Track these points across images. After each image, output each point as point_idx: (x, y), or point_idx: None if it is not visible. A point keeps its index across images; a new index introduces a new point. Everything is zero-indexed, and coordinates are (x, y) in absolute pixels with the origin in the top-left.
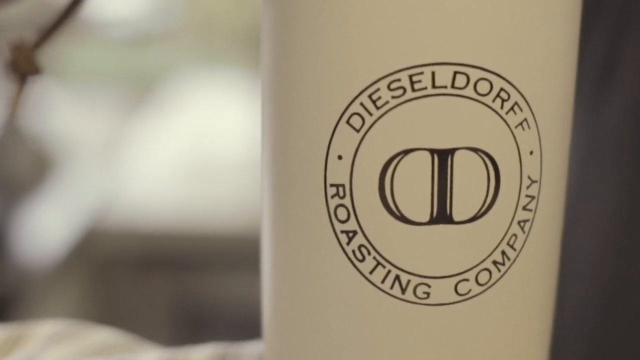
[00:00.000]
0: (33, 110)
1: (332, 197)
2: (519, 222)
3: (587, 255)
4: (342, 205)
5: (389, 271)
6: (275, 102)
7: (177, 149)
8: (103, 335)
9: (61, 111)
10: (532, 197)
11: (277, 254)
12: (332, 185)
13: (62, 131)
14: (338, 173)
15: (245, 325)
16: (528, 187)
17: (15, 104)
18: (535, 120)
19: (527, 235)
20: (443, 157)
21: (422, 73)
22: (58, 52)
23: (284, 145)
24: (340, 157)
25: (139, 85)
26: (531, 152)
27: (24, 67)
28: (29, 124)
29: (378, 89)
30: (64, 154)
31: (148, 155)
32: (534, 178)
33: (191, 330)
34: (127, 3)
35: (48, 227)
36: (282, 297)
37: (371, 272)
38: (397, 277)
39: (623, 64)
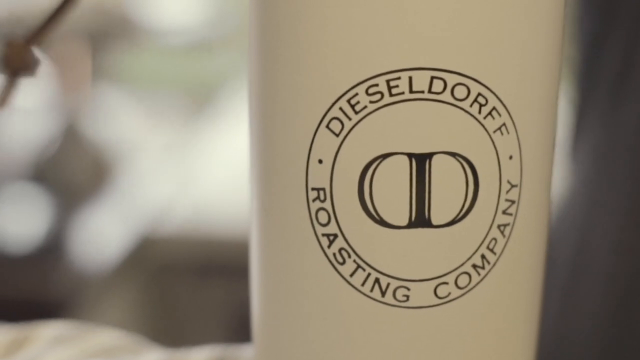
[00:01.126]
0: (92, 116)
1: (314, 200)
2: (498, 226)
3: (602, 258)
4: (323, 208)
5: (369, 274)
6: (260, 108)
7: (236, 155)
8: (106, 337)
9: (120, 118)
10: (512, 202)
11: (262, 256)
12: (313, 189)
13: (121, 138)
14: (319, 177)
15: None
16: (508, 191)
17: (4, 98)
18: (515, 125)
19: (508, 239)
20: (421, 162)
21: (399, 78)
22: (118, 59)
23: (268, 150)
24: (320, 161)
25: (199, 92)
26: (510, 157)
27: (16, 63)
28: (88, 130)
29: (356, 94)
30: (123, 160)
31: (206, 162)
32: (513, 182)
33: (247, 337)
34: (187, 10)
35: (106, 233)
36: (267, 300)
37: (351, 275)
38: (377, 280)
39: (639, 69)
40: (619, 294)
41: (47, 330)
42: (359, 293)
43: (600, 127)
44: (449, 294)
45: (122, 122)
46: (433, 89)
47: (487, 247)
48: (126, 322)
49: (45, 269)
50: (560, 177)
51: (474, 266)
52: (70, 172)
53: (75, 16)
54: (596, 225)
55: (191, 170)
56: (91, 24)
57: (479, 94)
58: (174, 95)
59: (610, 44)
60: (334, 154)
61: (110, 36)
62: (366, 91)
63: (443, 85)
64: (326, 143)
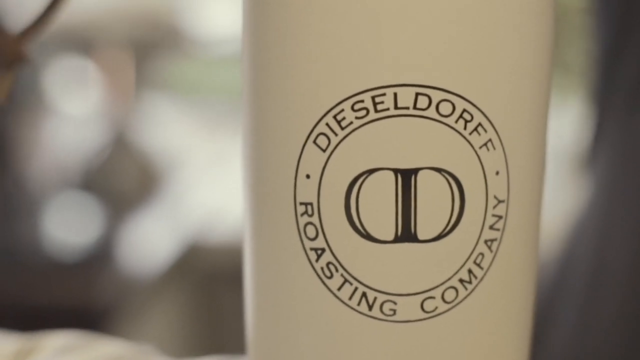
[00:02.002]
0: (141, 125)
1: (302, 215)
2: (485, 241)
3: (620, 269)
4: (310, 223)
5: (356, 288)
6: (250, 123)
7: None
8: (112, 347)
9: (169, 127)
10: (500, 217)
11: (253, 269)
12: (301, 203)
13: (169, 146)
14: (306, 192)
15: None
16: (495, 206)
17: (1, 90)
18: (501, 141)
19: (495, 254)
20: (406, 177)
21: (384, 94)
22: (167, 68)
23: (258, 164)
24: (308, 176)
25: None
26: (497, 173)
27: (10, 55)
28: (137, 139)
29: (342, 110)
30: (171, 168)
31: None
32: (500, 198)
33: None
34: (234, 21)
35: (154, 241)
36: (258, 312)
37: (339, 289)
38: (364, 294)
39: None
40: (638, 305)
41: (54, 340)
42: (346, 307)
43: (617, 137)
44: (436, 308)
45: (170, 130)
46: (418, 105)
47: (474, 262)
48: (172, 329)
49: (93, 277)
50: (578, 188)
51: (461, 281)
52: (118, 181)
53: (124, 25)
54: (614, 235)
55: (238, 179)
56: (140, 34)
57: (464, 110)
58: (223, 104)
59: (627, 54)
60: (321, 169)
61: (159, 45)
62: (352, 107)
63: (428, 102)
64: (313, 158)
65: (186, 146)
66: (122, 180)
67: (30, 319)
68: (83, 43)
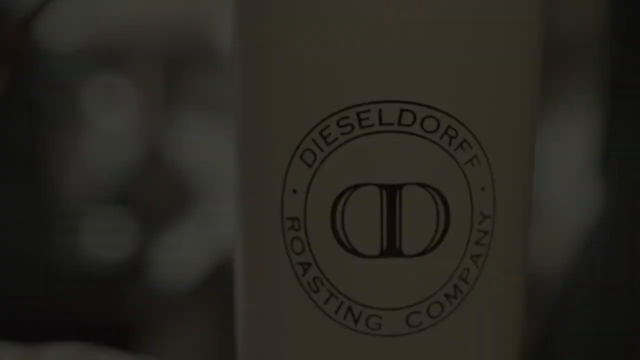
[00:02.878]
0: (174, 141)
1: (289, 229)
2: (471, 257)
3: (632, 271)
4: (297, 237)
5: (342, 302)
6: (239, 139)
7: None
8: None
9: (201, 142)
10: (486, 232)
11: (243, 284)
12: (288, 218)
13: (201, 162)
14: (293, 207)
15: None
16: (480, 222)
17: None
18: (487, 157)
19: (481, 270)
20: (391, 192)
21: (369, 110)
22: (200, 84)
23: (246, 180)
24: (295, 191)
25: None
26: (483, 188)
27: (10, 47)
28: (170, 155)
29: (328, 126)
30: (203, 184)
31: None
32: (486, 214)
33: None
34: None
35: (185, 255)
36: (247, 325)
37: (325, 303)
38: (350, 309)
39: None
40: None
41: (54, 352)
42: (332, 321)
43: (630, 145)
44: (421, 323)
45: (203, 146)
46: (403, 121)
47: (460, 277)
48: (203, 344)
49: (125, 291)
50: (591, 195)
51: (447, 296)
52: (151, 196)
53: (158, 42)
54: (626, 242)
55: None
56: (173, 50)
57: (449, 126)
58: None
59: (637, 59)
60: (307, 185)
61: (192, 62)
62: (337, 123)
63: (412, 118)
64: (300, 173)
65: (218, 162)
66: (155, 195)
67: (62, 331)
68: (117, 59)
